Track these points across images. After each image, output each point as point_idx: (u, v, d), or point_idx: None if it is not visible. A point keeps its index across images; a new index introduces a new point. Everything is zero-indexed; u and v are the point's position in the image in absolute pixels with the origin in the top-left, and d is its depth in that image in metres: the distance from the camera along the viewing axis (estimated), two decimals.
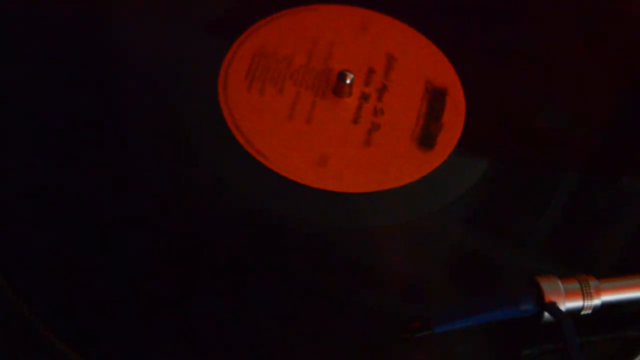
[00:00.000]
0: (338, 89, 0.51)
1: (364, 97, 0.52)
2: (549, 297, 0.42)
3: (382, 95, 0.52)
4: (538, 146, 0.52)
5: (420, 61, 0.54)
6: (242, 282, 0.44)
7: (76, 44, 0.52)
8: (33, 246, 0.44)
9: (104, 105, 0.50)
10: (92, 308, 0.42)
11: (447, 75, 0.54)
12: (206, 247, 0.45)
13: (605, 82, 0.56)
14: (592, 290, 0.43)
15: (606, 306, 0.43)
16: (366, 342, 0.43)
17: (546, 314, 0.42)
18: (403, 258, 0.47)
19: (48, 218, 0.45)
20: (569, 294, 0.42)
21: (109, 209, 0.46)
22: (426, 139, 0.51)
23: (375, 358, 0.43)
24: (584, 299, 0.43)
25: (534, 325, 0.43)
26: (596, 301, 0.43)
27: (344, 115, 0.51)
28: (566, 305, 0.42)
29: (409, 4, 0.57)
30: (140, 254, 0.44)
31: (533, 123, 0.53)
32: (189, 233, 0.45)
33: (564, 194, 0.50)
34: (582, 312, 0.43)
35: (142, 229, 0.45)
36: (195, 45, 0.54)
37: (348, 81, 0.51)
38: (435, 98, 0.52)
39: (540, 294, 0.42)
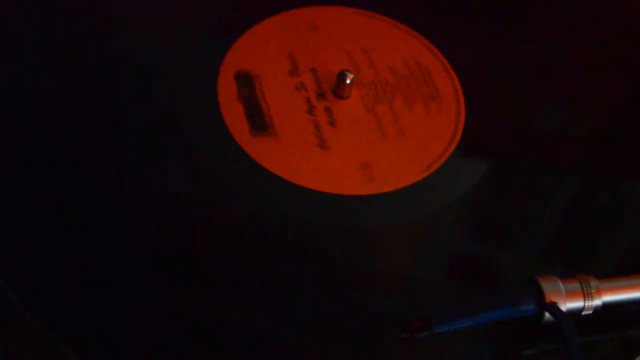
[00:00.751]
0: (338, 89, 0.51)
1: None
2: (550, 297, 0.42)
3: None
4: (538, 147, 0.52)
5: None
6: (242, 282, 0.44)
7: (76, 44, 0.52)
8: (33, 246, 0.44)
9: (104, 105, 0.50)
10: (92, 308, 0.42)
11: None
12: (206, 247, 0.45)
13: (606, 82, 0.56)
14: (592, 291, 0.43)
15: (607, 306, 0.43)
16: (366, 342, 0.43)
17: (547, 314, 0.42)
18: (403, 258, 0.47)
19: (48, 218, 0.45)
20: (570, 294, 0.42)
21: (107, 209, 0.46)
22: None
23: (375, 358, 0.43)
24: (584, 299, 0.43)
25: (534, 325, 0.43)
26: (597, 301, 0.43)
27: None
28: (567, 305, 0.42)
29: (408, 4, 0.57)
30: (140, 254, 0.44)
31: (533, 123, 0.53)
32: (189, 233, 0.45)
33: (564, 194, 0.50)
34: (583, 313, 0.43)
35: (142, 229, 0.45)
36: (195, 45, 0.54)
37: (348, 81, 0.51)
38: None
39: (540, 294, 0.42)
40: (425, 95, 0.52)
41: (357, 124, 0.51)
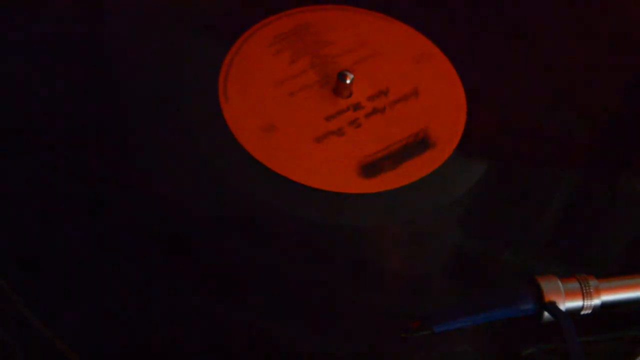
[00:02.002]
0: (338, 89, 0.51)
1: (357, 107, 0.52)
2: (549, 296, 0.42)
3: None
4: (538, 146, 0.52)
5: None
6: (241, 282, 0.44)
7: (76, 44, 0.52)
8: (33, 246, 0.44)
9: (103, 105, 0.50)
10: (92, 308, 0.42)
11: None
12: (206, 247, 0.45)
13: (606, 82, 0.56)
14: (592, 290, 0.43)
15: (606, 306, 0.43)
16: (366, 342, 0.43)
17: (546, 314, 0.42)
18: (403, 258, 0.47)
19: (48, 218, 0.45)
20: (569, 294, 0.42)
21: (108, 209, 0.46)
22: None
23: (375, 357, 0.43)
24: (583, 299, 0.43)
25: (534, 325, 0.43)
26: (596, 301, 0.43)
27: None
28: (566, 305, 0.42)
29: (409, 4, 0.58)
30: (140, 254, 0.44)
31: (533, 123, 0.53)
32: (188, 233, 0.45)
33: (564, 193, 0.50)
34: (582, 312, 0.43)
35: (142, 229, 0.45)
36: (195, 45, 0.54)
37: (348, 81, 0.51)
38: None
39: (540, 294, 0.42)
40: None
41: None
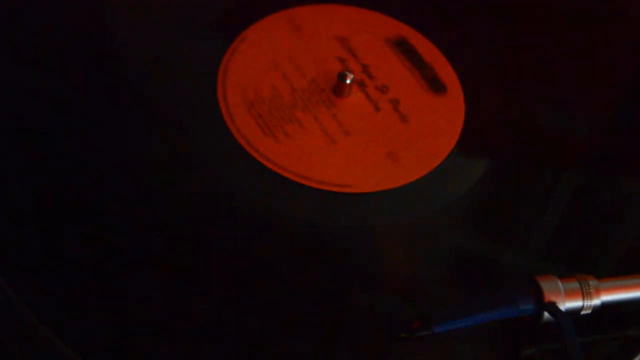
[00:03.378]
0: (338, 89, 0.51)
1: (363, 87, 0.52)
2: (549, 296, 0.42)
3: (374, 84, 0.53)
4: (538, 146, 0.52)
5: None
6: (241, 282, 0.44)
7: (75, 44, 0.52)
8: (33, 246, 0.44)
9: (103, 105, 0.50)
10: (92, 308, 0.42)
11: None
12: (206, 247, 0.45)
13: (606, 82, 0.56)
14: (591, 290, 0.43)
15: (606, 306, 0.43)
16: (366, 342, 0.43)
17: (546, 314, 0.42)
18: (403, 258, 0.47)
19: (48, 218, 0.45)
20: (569, 294, 0.42)
21: (107, 209, 0.46)
22: (434, 83, 0.52)
23: (375, 358, 0.43)
24: (583, 299, 0.43)
25: (534, 325, 0.43)
26: (596, 301, 0.43)
27: (348, 111, 0.51)
28: (566, 305, 0.42)
29: (408, 4, 0.58)
30: (140, 254, 0.44)
31: (533, 123, 0.53)
32: (188, 233, 0.45)
33: (564, 193, 0.50)
34: (582, 312, 0.43)
35: (142, 229, 0.45)
36: (194, 45, 0.54)
37: (348, 81, 0.51)
38: (403, 48, 0.53)
39: (540, 294, 0.42)
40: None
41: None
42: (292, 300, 0.44)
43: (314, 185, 0.48)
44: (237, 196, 0.47)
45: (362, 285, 0.45)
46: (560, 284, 0.43)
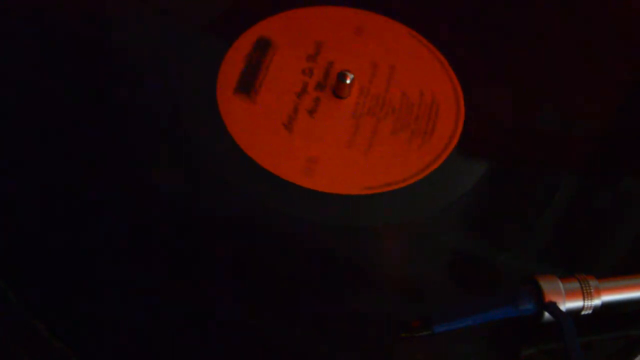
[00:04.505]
0: (338, 89, 0.51)
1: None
2: (549, 296, 0.42)
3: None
4: (538, 146, 0.52)
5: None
6: (241, 282, 0.44)
7: (75, 44, 0.52)
8: (33, 246, 0.44)
9: (103, 105, 0.50)
10: (92, 308, 0.42)
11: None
12: (206, 247, 0.45)
13: (606, 82, 0.56)
14: (592, 290, 0.43)
15: (606, 306, 0.43)
16: (366, 342, 0.43)
17: (546, 314, 0.42)
18: (403, 258, 0.47)
19: (48, 218, 0.45)
20: (569, 294, 0.42)
21: (107, 209, 0.46)
22: None
23: (375, 358, 0.43)
24: (584, 299, 0.43)
25: (534, 325, 0.43)
26: (596, 301, 0.43)
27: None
28: (566, 305, 0.42)
29: (405, 5, 0.58)
30: (139, 253, 0.44)
31: (533, 123, 0.53)
32: (188, 233, 0.45)
33: (564, 194, 0.50)
34: (583, 312, 0.43)
35: (142, 229, 0.45)
36: (194, 45, 0.54)
37: (348, 81, 0.51)
38: None
39: (540, 294, 0.42)
40: (417, 130, 0.52)
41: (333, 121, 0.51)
42: (292, 300, 0.44)
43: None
44: (234, 197, 0.47)
45: (361, 286, 0.45)
46: (560, 284, 0.43)
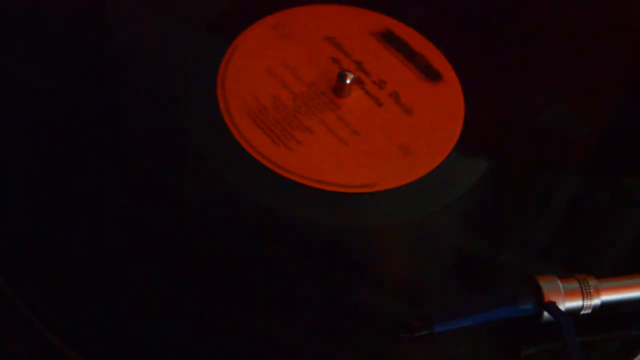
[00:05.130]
0: (338, 89, 0.51)
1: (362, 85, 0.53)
2: (549, 296, 0.42)
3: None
4: (538, 146, 0.52)
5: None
6: (240, 282, 0.44)
7: (75, 44, 0.52)
8: (33, 246, 0.44)
9: (103, 105, 0.50)
10: (92, 308, 0.42)
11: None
12: (207, 246, 0.45)
13: (606, 82, 0.56)
14: (591, 290, 0.43)
15: (606, 306, 0.43)
16: (366, 342, 0.43)
17: (546, 314, 0.42)
18: (403, 258, 0.47)
19: (48, 218, 0.45)
20: (569, 294, 0.42)
21: (107, 208, 0.46)
22: (428, 71, 0.52)
23: (375, 358, 0.43)
24: (583, 299, 0.43)
25: (534, 325, 0.43)
26: (596, 301, 0.43)
27: (349, 110, 0.51)
28: (566, 305, 0.42)
29: (406, 2, 0.58)
30: (139, 253, 0.44)
31: (533, 123, 0.53)
32: (188, 233, 0.45)
33: (564, 194, 0.50)
34: (582, 312, 0.43)
35: (142, 229, 0.45)
36: (194, 45, 0.54)
37: (348, 81, 0.51)
38: (391, 40, 0.53)
39: (539, 294, 0.42)
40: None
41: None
42: (293, 300, 0.44)
43: (313, 184, 0.48)
44: (235, 195, 0.47)
45: (362, 286, 0.45)
46: (560, 284, 0.43)
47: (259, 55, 0.53)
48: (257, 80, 0.52)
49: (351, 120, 0.51)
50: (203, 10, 0.56)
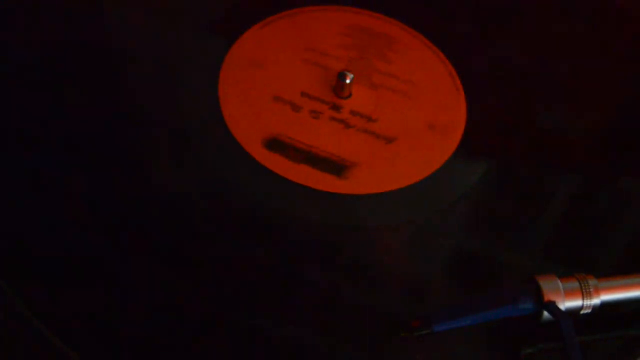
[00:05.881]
0: (338, 88, 0.52)
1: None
2: (549, 296, 0.42)
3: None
4: (538, 146, 0.52)
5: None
6: (240, 282, 0.44)
7: (76, 44, 0.52)
8: (33, 246, 0.44)
9: (103, 105, 0.50)
10: (92, 308, 0.42)
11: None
12: (206, 246, 0.45)
13: (606, 82, 0.56)
14: (591, 290, 0.43)
15: (606, 306, 0.43)
16: (366, 341, 0.43)
17: (546, 314, 0.42)
18: (403, 258, 0.47)
19: (48, 218, 0.45)
20: (569, 294, 0.42)
21: (107, 208, 0.46)
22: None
23: (375, 358, 0.43)
24: (583, 299, 0.43)
25: (534, 325, 0.43)
26: (596, 300, 0.43)
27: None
28: (566, 304, 0.42)
29: (405, 2, 0.58)
30: (139, 253, 0.44)
31: (533, 123, 0.53)
32: (188, 233, 0.45)
33: (564, 194, 0.50)
34: (582, 312, 0.43)
35: (142, 229, 0.45)
36: (194, 45, 0.54)
37: (348, 81, 0.51)
38: None
39: (539, 294, 0.42)
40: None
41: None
42: (293, 300, 0.44)
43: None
44: (234, 195, 0.47)
45: (361, 286, 0.45)
46: (560, 283, 0.43)
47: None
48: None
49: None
50: (203, 10, 0.56)
